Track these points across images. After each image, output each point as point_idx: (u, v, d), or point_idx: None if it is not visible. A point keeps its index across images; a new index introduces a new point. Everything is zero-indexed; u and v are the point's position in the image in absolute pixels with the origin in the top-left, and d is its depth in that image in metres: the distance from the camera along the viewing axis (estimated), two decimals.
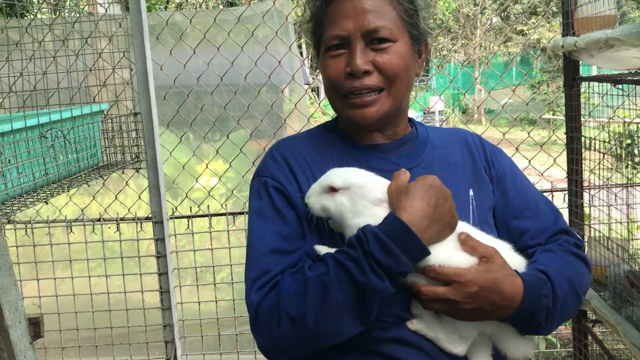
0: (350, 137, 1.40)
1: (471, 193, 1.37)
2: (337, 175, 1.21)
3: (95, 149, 2.10)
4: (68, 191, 1.84)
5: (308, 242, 1.29)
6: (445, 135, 1.48)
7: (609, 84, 2.43)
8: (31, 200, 1.70)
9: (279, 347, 1.19)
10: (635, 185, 2.84)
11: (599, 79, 2.50)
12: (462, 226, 1.26)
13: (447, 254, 1.17)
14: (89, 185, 2.04)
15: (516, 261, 1.27)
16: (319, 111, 13.18)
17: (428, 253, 1.15)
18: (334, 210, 1.21)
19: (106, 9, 2.82)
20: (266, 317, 1.18)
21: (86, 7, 3.66)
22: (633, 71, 2.34)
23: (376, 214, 1.18)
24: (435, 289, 1.17)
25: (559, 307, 1.24)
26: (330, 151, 1.37)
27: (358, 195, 1.20)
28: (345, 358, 1.24)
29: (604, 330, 3.78)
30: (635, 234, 2.79)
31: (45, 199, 1.72)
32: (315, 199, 1.22)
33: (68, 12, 2.92)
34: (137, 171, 2.57)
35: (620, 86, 2.35)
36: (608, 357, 2.67)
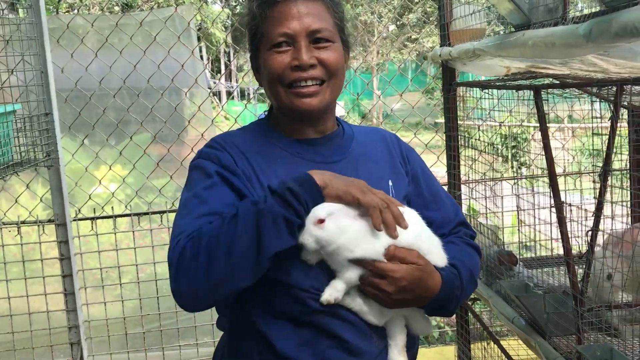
0: (283, 132, 1.55)
1: (390, 183, 1.57)
2: (321, 209, 1.33)
3: (8, 146, 2.14)
4: None
5: None
6: (367, 133, 1.68)
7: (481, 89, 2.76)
8: None
9: (193, 290, 1.29)
10: (506, 179, 3.22)
11: (470, 84, 2.83)
12: (405, 210, 1.44)
13: (377, 252, 1.35)
14: (5, 181, 2.07)
15: (438, 257, 1.47)
16: (220, 115, 13.16)
17: (322, 200, 1.32)
18: (326, 237, 1.33)
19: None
20: (188, 255, 1.27)
21: None
22: (500, 77, 2.67)
23: (357, 224, 1.35)
24: (373, 279, 1.36)
25: (464, 294, 1.51)
26: (265, 144, 1.52)
27: (339, 216, 1.34)
28: (277, 326, 1.39)
29: (483, 309, 4.18)
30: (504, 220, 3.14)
31: None
32: (307, 234, 1.33)
33: None
34: (48, 168, 2.57)
35: (488, 90, 2.67)
36: (484, 330, 3.00)
